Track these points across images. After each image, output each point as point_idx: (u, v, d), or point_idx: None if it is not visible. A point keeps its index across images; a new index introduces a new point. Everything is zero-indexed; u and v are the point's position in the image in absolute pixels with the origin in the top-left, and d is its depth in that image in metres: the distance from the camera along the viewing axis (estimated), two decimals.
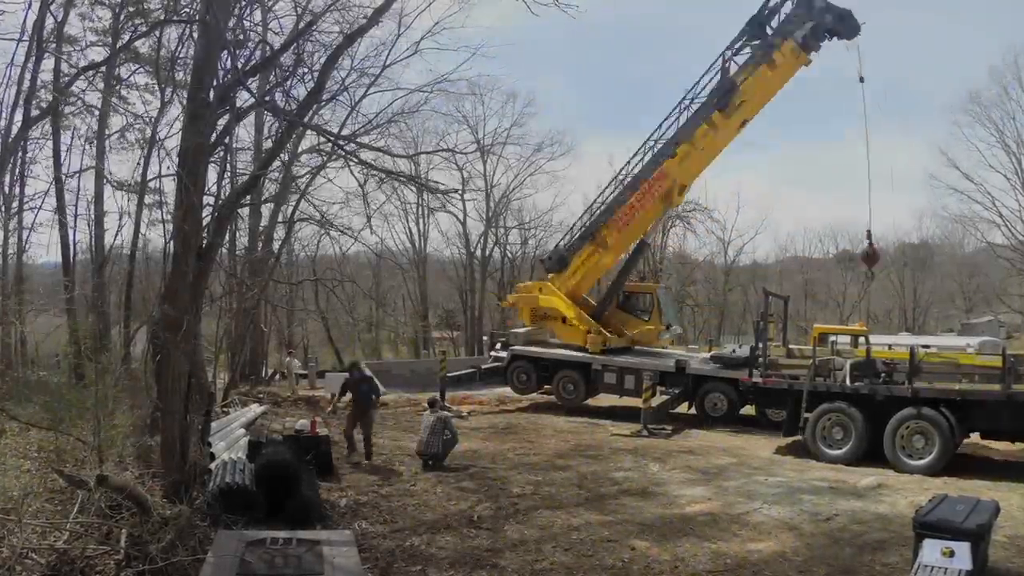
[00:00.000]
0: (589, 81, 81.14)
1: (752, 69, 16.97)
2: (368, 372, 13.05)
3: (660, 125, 18.19)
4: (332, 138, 12.08)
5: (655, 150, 18.13)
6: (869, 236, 17.13)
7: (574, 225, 20.20)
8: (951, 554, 5.99)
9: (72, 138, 19.81)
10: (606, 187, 19.40)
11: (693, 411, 17.25)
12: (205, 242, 8.36)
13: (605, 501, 9.58)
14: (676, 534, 8.16)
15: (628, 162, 18.79)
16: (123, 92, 19.55)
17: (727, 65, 17.16)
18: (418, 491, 10.00)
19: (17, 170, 17.91)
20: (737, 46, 17.30)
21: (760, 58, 16.86)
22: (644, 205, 18.07)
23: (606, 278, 21.59)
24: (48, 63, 17.66)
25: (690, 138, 17.53)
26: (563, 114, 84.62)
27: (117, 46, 17.71)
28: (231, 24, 8.64)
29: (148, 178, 17.29)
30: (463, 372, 21.16)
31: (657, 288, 19.57)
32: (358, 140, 14.68)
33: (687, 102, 17.80)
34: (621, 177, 18.83)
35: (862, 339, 16.04)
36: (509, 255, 46.83)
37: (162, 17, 12.59)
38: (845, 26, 16.18)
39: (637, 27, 72.30)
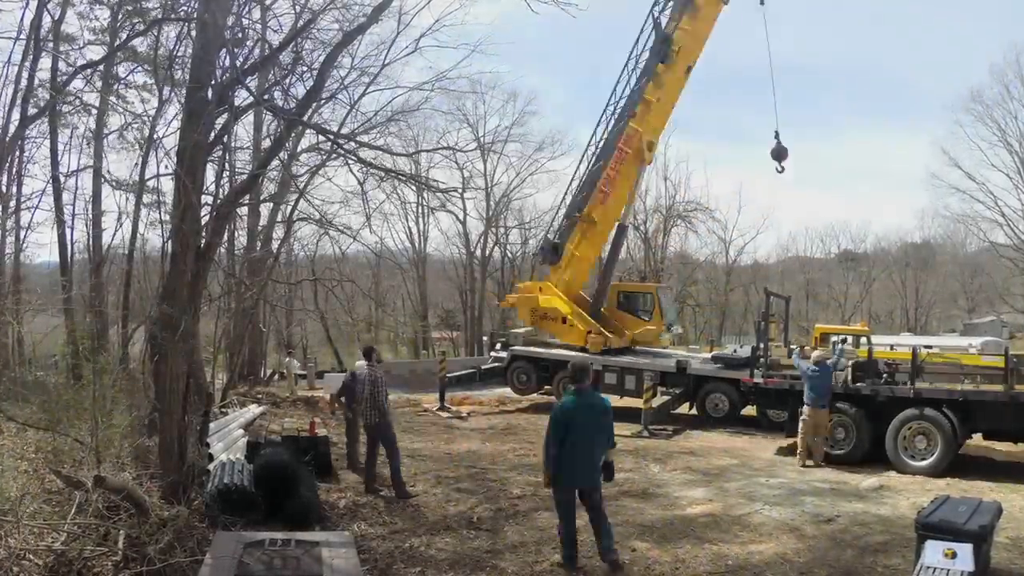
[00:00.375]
0: (591, 79, 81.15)
1: (678, 18, 17.98)
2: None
3: (614, 90, 18.94)
4: (332, 137, 11.97)
5: (616, 115, 18.82)
6: (777, 136, 18.06)
7: (557, 210, 20.45)
8: (953, 555, 5.95)
9: (70, 137, 19.77)
10: (579, 163, 19.78)
11: (694, 412, 17.22)
12: (203, 241, 8.30)
13: (605, 502, 9.52)
14: (677, 535, 8.12)
15: (594, 133, 19.36)
16: (121, 91, 19.44)
17: (658, 20, 18.14)
18: (417, 492, 9.95)
19: (14, 169, 17.82)
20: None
21: (683, 6, 17.93)
22: (619, 169, 18.47)
23: (597, 275, 21.63)
24: (45, 62, 17.58)
25: (643, 94, 18.30)
26: (565, 113, 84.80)
27: (115, 45, 17.63)
28: (229, 22, 8.57)
29: (146, 177, 17.18)
30: (463, 372, 21.15)
31: (657, 288, 19.83)
32: (358, 139, 14.60)
33: (632, 63, 18.70)
34: (593, 150, 19.27)
35: (864, 339, 16.03)
36: (509, 255, 46.87)
37: (160, 15, 12.50)
38: None
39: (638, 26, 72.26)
